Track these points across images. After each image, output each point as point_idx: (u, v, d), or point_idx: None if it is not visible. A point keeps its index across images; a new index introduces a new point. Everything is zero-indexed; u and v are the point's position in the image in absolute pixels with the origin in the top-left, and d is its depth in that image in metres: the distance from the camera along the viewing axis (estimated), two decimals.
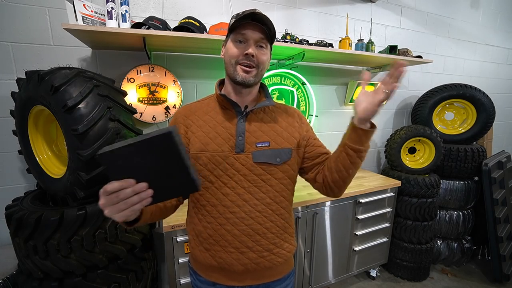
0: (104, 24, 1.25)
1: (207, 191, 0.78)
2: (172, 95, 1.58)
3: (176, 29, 1.36)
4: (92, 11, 1.21)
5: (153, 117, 1.56)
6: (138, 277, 1.22)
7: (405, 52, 1.98)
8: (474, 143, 2.39)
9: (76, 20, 1.16)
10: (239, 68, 0.74)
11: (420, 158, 2.19)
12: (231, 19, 0.75)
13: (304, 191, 1.68)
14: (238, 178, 0.76)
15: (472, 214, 2.25)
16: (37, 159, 1.23)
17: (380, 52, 1.96)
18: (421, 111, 2.29)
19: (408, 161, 2.18)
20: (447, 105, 2.36)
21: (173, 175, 0.51)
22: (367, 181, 1.99)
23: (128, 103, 1.27)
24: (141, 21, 1.32)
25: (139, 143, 0.46)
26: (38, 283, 1.03)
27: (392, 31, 2.34)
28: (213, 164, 0.76)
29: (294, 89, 1.95)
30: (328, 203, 1.72)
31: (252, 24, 0.72)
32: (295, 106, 1.97)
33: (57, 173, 1.20)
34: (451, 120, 2.40)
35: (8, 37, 1.31)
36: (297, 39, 1.63)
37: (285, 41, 1.59)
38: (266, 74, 1.81)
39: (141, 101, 1.52)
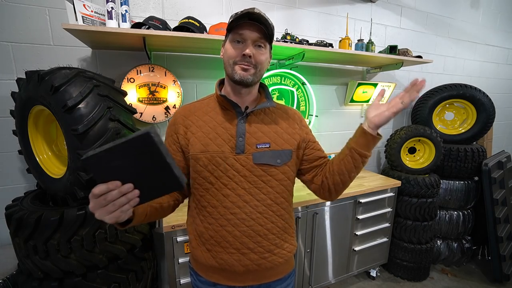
0: (104, 24, 1.25)
1: (207, 192, 0.78)
2: (172, 95, 1.58)
3: (176, 29, 1.36)
4: (92, 11, 1.21)
5: (153, 117, 1.56)
6: (138, 277, 1.22)
7: (405, 52, 1.98)
8: (474, 143, 2.39)
9: (76, 20, 1.16)
10: (237, 67, 0.74)
11: (420, 158, 2.19)
12: (229, 18, 0.75)
13: (304, 191, 1.68)
14: (238, 179, 0.76)
15: (472, 214, 2.25)
16: (37, 159, 1.23)
17: (380, 52, 1.96)
18: (421, 111, 2.29)
19: (408, 161, 2.18)
20: (447, 105, 2.36)
21: (157, 174, 0.52)
22: (367, 181, 1.99)
23: (128, 103, 1.27)
24: (141, 21, 1.32)
25: (119, 145, 0.47)
26: (38, 283, 1.03)
27: (392, 31, 2.34)
28: (213, 165, 0.76)
29: (294, 89, 1.95)
30: (328, 203, 1.72)
31: (249, 24, 0.72)
32: (295, 106, 1.97)
33: (57, 173, 1.20)
34: (451, 120, 2.40)
35: (8, 37, 1.31)
36: (297, 39, 1.63)
37: (285, 41, 1.59)
38: (266, 74, 1.81)
39: (141, 101, 1.52)
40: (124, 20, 1.25)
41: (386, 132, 2.53)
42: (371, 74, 2.30)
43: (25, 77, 1.12)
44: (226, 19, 1.68)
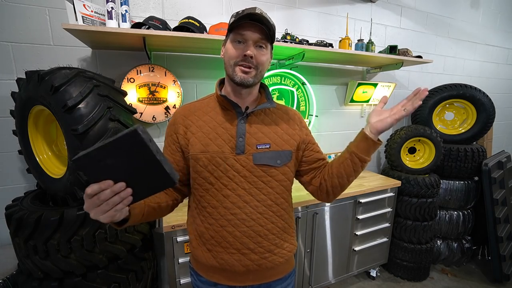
0: (104, 24, 1.24)
1: (207, 192, 0.78)
2: (172, 95, 1.58)
3: (176, 29, 1.36)
4: (92, 11, 1.21)
5: (153, 117, 1.56)
6: (138, 277, 1.22)
7: (405, 52, 1.98)
8: (474, 143, 2.39)
9: (76, 20, 1.16)
10: (238, 69, 0.73)
11: (420, 158, 2.19)
12: (230, 18, 0.74)
13: (304, 191, 1.67)
14: (238, 179, 0.76)
15: (472, 214, 2.25)
16: (37, 159, 1.23)
17: (380, 52, 1.96)
18: (421, 111, 2.29)
19: (408, 161, 2.18)
20: (447, 105, 2.36)
21: (149, 172, 0.52)
22: (367, 181, 1.99)
23: (128, 103, 1.27)
24: (141, 21, 1.31)
25: (108, 144, 0.47)
26: (38, 283, 1.03)
27: (392, 31, 2.34)
28: (213, 165, 0.76)
29: (294, 89, 1.95)
30: (328, 203, 1.72)
31: (251, 24, 0.71)
32: (295, 106, 1.97)
33: (57, 173, 1.20)
34: (451, 120, 2.40)
35: (8, 37, 1.31)
36: (297, 39, 1.63)
37: (285, 41, 1.59)
38: (266, 74, 1.81)
39: (141, 101, 1.52)
40: (124, 20, 1.25)
41: (386, 132, 2.52)
42: (371, 74, 2.30)
43: (25, 77, 1.12)
44: (226, 19, 1.68)
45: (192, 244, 0.86)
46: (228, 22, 0.76)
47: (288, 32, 1.64)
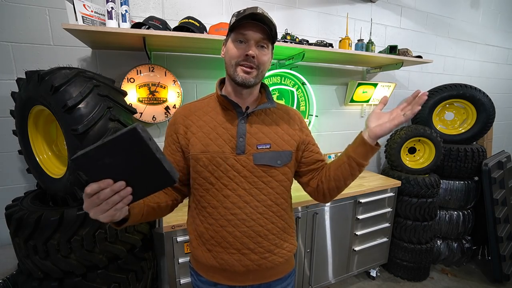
0: (104, 24, 1.24)
1: (207, 192, 0.78)
2: (172, 95, 1.58)
3: (176, 29, 1.36)
4: (92, 11, 1.21)
5: (153, 117, 1.56)
6: (138, 277, 1.22)
7: (405, 52, 1.98)
8: (474, 143, 2.39)
9: (76, 20, 1.16)
10: (239, 69, 0.73)
11: (420, 158, 2.19)
12: (231, 17, 0.74)
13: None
14: (238, 179, 0.76)
15: (472, 214, 2.25)
16: (37, 159, 1.23)
17: (380, 52, 1.96)
18: (421, 111, 2.29)
19: (408, 161, 2.18)
20: (447, 105, 2.36)
21: (148, 170, 0.51)
22: (367, 181, 1.99)
23: (128, 103, 1.27)
24: (141, 21, 1.31)
25: (107, 143, 0.47)
26: (38, 283, 1.03)
27: (392, 31, 2.34)
28: (213, 165, 0.76)
29: (294, 89, 1.95)
30: (328, 203, 1.72)
31: (253, 24, 0.71)
32: (295, 106, 1.97)
33: (57, 173, 1.20)
34: (451, 120, 2.40)
35: (8, 37, 1.31)
36: (297, 39, 1.63)
37: (285, 41, 1.59)
38: (266, 74, 1.81)
39: (141, 101, 1.52)
40: (124, 20, 1.25)
41: None
42: (371, 74, 2.30)
43: (25, 77, 1.12)
44: (226, 19, 1.68)
45: (192, 244, 0.85)
46: (228, 22, 0.76)
47: (288, 32, 1.64)
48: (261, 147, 0.78)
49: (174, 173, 0.52)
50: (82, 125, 0.97)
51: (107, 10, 1.21)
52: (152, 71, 1.52)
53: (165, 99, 1.57)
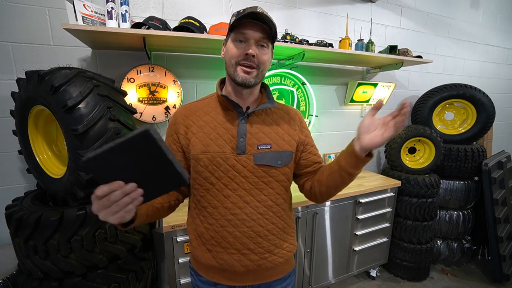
0: (104, 24, 1.24)
1: (208, 192, 0.78)
2: (172, 95, 1.58)
3: (176, 29, 1.36)
4: (92, 11, 1.21)
5: (153, 117, 1.56)
6: (138, 277, 1.22)
7: (405, 52, 1.98)
8: (474, 143, 2.39)
9: (76, 20, 1.16)
10: (240, 69, 0.73)
11: (420, 158, 2.19)
12: (231, 17, 0.74)
13: None
14: (239, 180, 0.76)
15: (472, 214, 2.25)
16: (37, 159, 1.23)
17: (380, 52, 1.96)
18: (421, 111, 2.29)
19: (408, 161, 2.18)
20: (447, 105, 2.36)
21: (159, 172, 0.51)
22: (367, 181, 1.99)
23: (128, 103, 1.27)
24: (141, 21, 1.31)
25: (119, 145, 0.46)
26: (38, 283, 1.03)
27: (392, 31, 2.34)
28: (214, 165, 0.76)
29: (294, 89, 1.95)
30: (328, 203, 1.72)
31: (252, 23, 0.71)
32: (295, 106, 1.97)
33: (57, 173, 1.20)
34: (451, 120, 2.40)
35: (8, 37, 1.31)
36: (297, 39, 1.63)
37: (285, 41, 1.59)
38: (266, 74, 1.81)
39: (141, 101, 1.52)
40: (124, 20, 1.25)
41: None
42: (371, 74, 2.30)
43: (25, 77, 1.12)
44: (226, 19, 1.68)
45: (192, 244, 0.85)
46: (228, 22, 0.76)
47: (288, 32, 1.64)
48: (261, 147, 0.77)
49: (185, 174, 0.52)
50: (82, 125, 0.96)
51: (107, 10, 1.21)
52: (152, 71, 1.52)
53: (165, 99, 1.57)
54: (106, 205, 0.50)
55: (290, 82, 1.93)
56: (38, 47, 1.36)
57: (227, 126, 0.78)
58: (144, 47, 1.35)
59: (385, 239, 2.04)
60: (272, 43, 0.77)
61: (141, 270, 1.24)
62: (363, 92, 2.19)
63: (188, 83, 1.68)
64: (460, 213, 2.21)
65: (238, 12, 0.72)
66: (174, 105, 1.60)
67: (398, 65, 2.01)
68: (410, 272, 2.09)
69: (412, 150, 2.22)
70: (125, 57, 1.51)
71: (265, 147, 0.78)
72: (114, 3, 1.22)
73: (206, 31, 1.45)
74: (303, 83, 1.95)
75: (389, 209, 2.00)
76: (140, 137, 0.47)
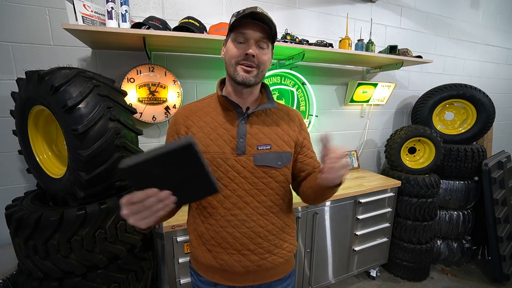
0: (104, 24, 1.24)
1: None
2: (172, 95, 1.58)
3: (176, 29, 1.36)
4: (92, 11, 1.21)
5: (153, 117, 1.56)
6: (138, 277, 1.22)
7: (405, 52, 1.98)
8: (474, 143, 2.39)
9: (76, 20, 1.16)
10: (240, 68, 0.73)
11: (420, 158, 2.19)
12: (231, 17, 0.74)
13: None
14: (239, 180, 0.76)
15: (472, 214, 2.25)
16: (37, 159, 1.23)
17: (380, 52, 1.96)
18: (421, 111, 2.29)
19: (408, 161, 2.18)
20: (447, 105, 2.36)
21: (194, 181, 0.53)
22: (367, 181, 1.99)
23: (128, 103, 1.27)
24: (141, 21, 1.31)
25: (160, 156, 0.48)
26: (38, 283, 1.03)
27: (392, 31, 2.34)
28: (214, 166, 0.76)
29: (294, 89, 1.95)
30: (328, 203, 1.72)
31: (252, 23, 0.71)
32: (295, 106, 1.97)
33: (57, 173, 1.20)
34: (451, 120, 2.40)
35: (8, 37, 1.31)
36: (297, 39, 1.63)
37: (285, 41, 1.59)
38: (266, 74, 1.81)
39: (141, 101, 1.52)
40: (124, 20, 1.25)
41: (386, 132, 2.53)
42: (371, 74, 2.30)
43: (25, 77, 1.12)
44: (226, 19, 1.68)
45: (192, 244, 0.85)
46: (228, 22, 0.76)
47: (288, 32, 1.64)
48: (261, 148, 0.77)
49: (217, 184, 0.54)
50: (82, 125, 0.96)
51: (107, 10, 1.21)
52: (152, 71, 1.52)
53: (165, 99, 1.57)
54: (139, 210, 0.51)
55: (290, 82, 1.93)
56: (38, 47, 1.36)
57: (227, 126, 0.78)
58: (144, 47, 1.35)
59: (385, 239, 2.04)
60: (272, 43, 0.77)
61: (141, 270, 1.24)
62: (363, 92, 2.19)
63: (188, 83, 1.68)
64: (460, 213, 2.21)
65: (238, 12, 0.72)
66: (174, 105, 1.60)
67: (398, 65, 2.01)
68: (410, 272, 2.09)
69: (412, 150, 2.22)
70: (125, 57, 1.51)
71: (265, 148, 0.78)
72: (114, 3, 1.22)
73: (206, 31, 1.45)
74: (303, 83, 1.96)
75: (389, 209, 2.00)
76: (183, 149, 0.48)
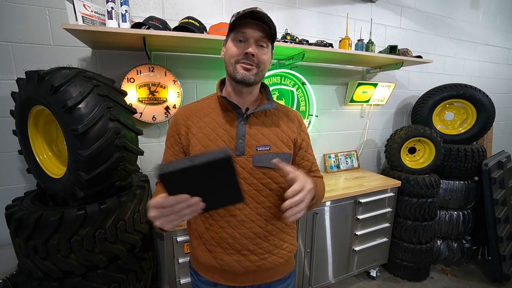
0: (104, 24, 1.24)
1: None
2: (172, 95, 1.58)
3: (176, 29, 1.36)
4: (92, 11, 1.21)
5: (153, 117, 1.56)
6: (138, 277, 1.22)
7: (405, 52, 1.98)
8: (474, 143, 2.39)
9: (76, 20, 1.16)
10: (239, 66, 0.73)
11: (420, 158, 2.19)
12: (231, 17, 0.74)
13: None
14: None
15: (472, 214, 2.25)
16: (37, 159, 1.22)
17: (380, 52, 1.96)
18: (421, 111, 2.29)
19: (408, 161, 2.18)
20: (447, 105, 2.36)
21: (224, 189, 0.56)
22: (367, 181, 1.99)
23: (128, 103, 1.27)
24: (141, 21, 1.31)
25: (201, 165, 0.51)
26: (38, 283, 1.03)
27: (392, 31, 2.34)
28: None
29: (294, 89, 1.95)
30: (328, 203, 1.72)
31: (252, 23, 0.71)
32: (295, 106, 1.97)
33: (57, 173, 1.20)
34: (451, 120, 2.40)
35: (8, 37, 1.31)
36: (297, 39, 1.63)
37: (285, 41, 1.59)
38: (266, 74, 1.81)
39: (141, 101, 1.52)
40: (124, 20, 1.25)
41: (386, 132, 2.53)
42: (371, 74, 2.30)
43: (25, 77, 1.12)
44: (226, 19, 1.68)
45: (192, 244, 0.86)
46: (228, 22, 0.76)
47: (288, 32, 1.64)
48: (260, 149, 0.77)
49: (243, 194, 0.58)
50: (82, 125, 0.96)
51: (107, 10, 1.21)
52: (152, 71, 1.52)
53: (165, 99, 1.57)
54: (167, 213, 0.53)
55: (290, 82, 1.93)
56: (38, 47, 1.36)
57: (227, 127, 0.78)
58: (144, 47, 1.35)
59: (385, 239, 2.04)
60: (272, 43, 0.77)
61: (141, 270, 1.24)
62: (363, 92, 2.19)
63: (188, 83, 1.68)
64: (460, 213, 2.21)
65: (238, 12, 0.72)
66: (174, 105, 1.60)
67: (398, 65, 2.01)
68: (410, 272, 2.09)
69: (412, 150, 2.22)
70: (125, 57, 1.51)
71: (264, 149, 0.78)
72: (114, 3, 1.22)
73: (206, 31, 1.45)
74: (303, 83, 1.96)
75: (389, 209, 2.00)
76: (221, 161, 0.51)
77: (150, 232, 1.38)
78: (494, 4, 2.85)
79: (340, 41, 1.86)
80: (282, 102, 1.86)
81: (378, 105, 2.40)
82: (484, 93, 2.17)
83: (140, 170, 1.59)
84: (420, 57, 2.01)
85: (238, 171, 0.75)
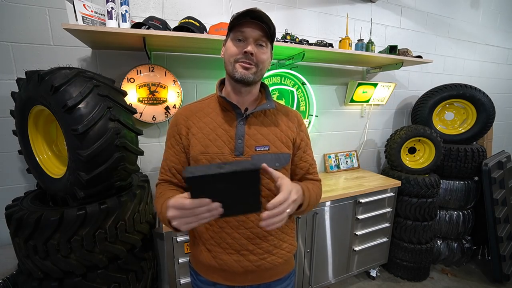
0: (104, 24, 1.24)
1: None
2: (172, 95, 1.58)
3: (176, 29, 1.36)
4: (92, 11, 1.21)
5: (153, 117, 1.56)
6: (138, 277, 1.22)
7: (405, 52, 1.98)
8: (474, 143, 2.39)
9: (76, 20, 1.16)
10: (238, 65, 0.73)
11: (420, 158, 2.19)
12: (231, 17, 0.74)
13: None
14: None
15: (472, 214, 2.25)
16: (37, 159, 1.23)
17: (380, 52, 1.96)
18: (421, 111, 2.29)
19: (408, 161, 2.18)
20: (447, 105, 2.36)
21: (245, 198, 0.58)
22: (367, 181, 1.99)
23: (128, 103, 1.27)
24: (141, 21, 1.31)
25: (229, 174, 0.53)
26: (38, 283, 1.03)
27: (392, 31, 2.34)
28: None
29: (294, 89, 1.95)
30: (328, 203, 1.72)
31: (251, 22, 0.71)
32: (295, 106, 1.97)
33: (57, 173, 1.20)
34: (451, 120, 2.40)
35: (8, 37, 1.31)
36: (297, 39, 1.63)
37: (285, 41, 1.59)
38: (266, 74, 1.81)
39: (141, 101, 1.52)
40: (124, 20, 1.25)
41: (386, 132, 2.53)
42: (371, 74, 2.30)
43: (25, 77, 1.12)
44: (226, 19, 1.68)
45: (192, 244, 0.86)
46: (228, 23, 0.76)
47: (288, 32, 1.64)
48: (259, 149, 0.77)
49: (262, 204, 0.59)
50: (82, 125, 0.96)
51: (107, 10, 1.21)
52: (152, 71, 1.52)
53: (165, 99, 1.57)
54: (187, 215, 0.54)
55: (290, 82, 1.93)
56: (38, 47, 1.36)
57: (226, 127, 0.78)
58: (144, 47, 1.35)
59: (385, 239, 2.04)
60: (271, 42, 0.77)
61: (141, 270, 1.24)
62: (363, 92, 2.19)
63: (188, 83, 1.68)
64: (460, 213, 2.21)
65: (237, 12, 0.72)
66: (174, 105, 1.60)
67: (398, 65, 2.01)
68: (410, 272, 2.09)
69: (412, 150, 2.22)
70: (125, 57, 1.51)
71: (263, 149, 0.78)
72: (114, 3, 1.22)
73: (206, 31, 1.45)
74: (303, 83, 1.96)
75: (389, 209, 2.00)
76: (250, 172, 0.54)
77: (150, 232, 1.38)
78: (494, 4, 2.85)
79: (340, 41, 1.86)
80: (282, 102, 1.86)
81: (378, 105, 2.40)
82: (484, 93, 2.17)
83: (140, 170, 1.59)
84: (420, 57, 2.01)
85: None
